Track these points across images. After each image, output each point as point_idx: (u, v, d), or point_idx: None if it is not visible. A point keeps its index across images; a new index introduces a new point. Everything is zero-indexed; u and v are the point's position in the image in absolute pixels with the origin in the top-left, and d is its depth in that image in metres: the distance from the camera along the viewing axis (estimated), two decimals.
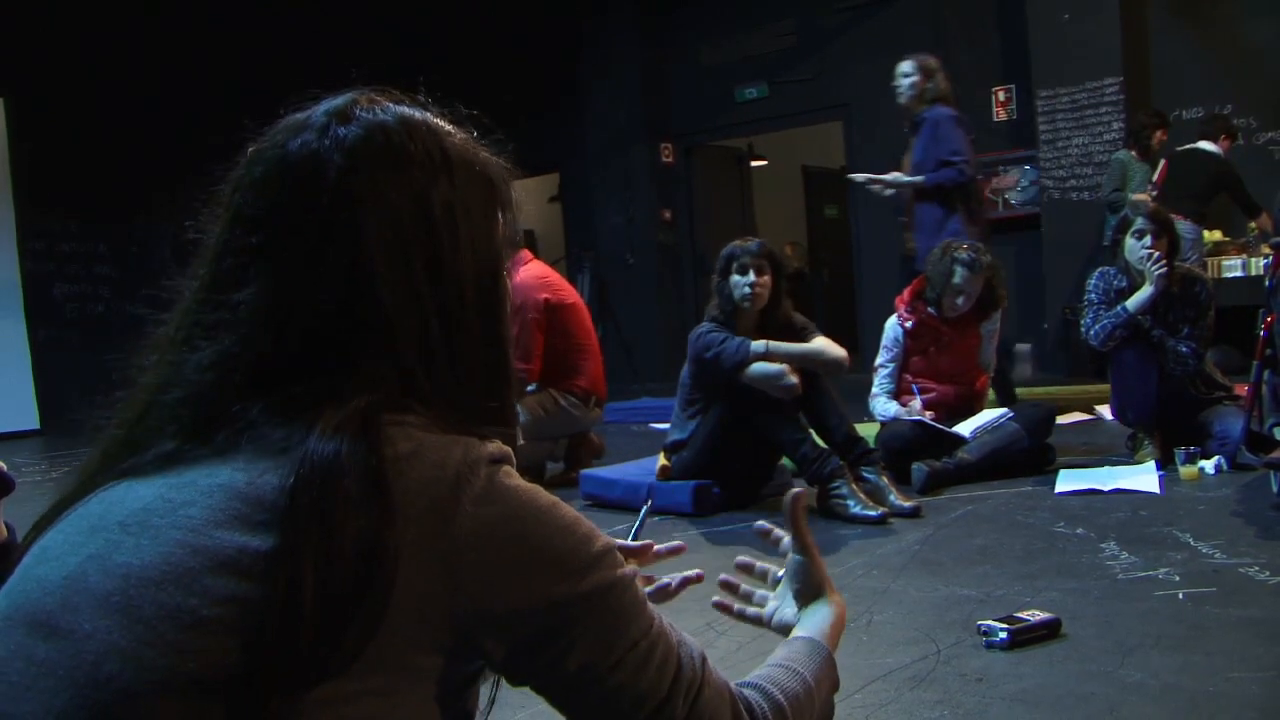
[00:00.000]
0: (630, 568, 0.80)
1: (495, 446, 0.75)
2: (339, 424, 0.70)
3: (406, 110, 0.82)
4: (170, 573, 0.67)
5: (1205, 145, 6.41)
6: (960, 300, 4.04)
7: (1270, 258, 3.78)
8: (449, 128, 0.83)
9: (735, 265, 3.61)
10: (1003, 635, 2.04)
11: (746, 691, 0.87)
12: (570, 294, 4.50)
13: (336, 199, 0.76)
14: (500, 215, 0.84)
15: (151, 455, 0.75)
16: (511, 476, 0.75)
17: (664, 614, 0.83)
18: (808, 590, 1.08)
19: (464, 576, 0.70)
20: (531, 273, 4.38)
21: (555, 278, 4.55)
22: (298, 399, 0.72)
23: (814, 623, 1.04)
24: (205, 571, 0.66)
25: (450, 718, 0.73)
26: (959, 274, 4.00)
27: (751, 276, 3.57)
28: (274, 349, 0.74)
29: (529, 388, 4.30)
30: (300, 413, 0.72)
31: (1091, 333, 3.84)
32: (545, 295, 4.29)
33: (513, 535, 0.72)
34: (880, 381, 4.17)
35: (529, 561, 0.73)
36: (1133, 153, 6.60)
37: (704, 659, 0.82)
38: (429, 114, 0.83)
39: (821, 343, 3.56)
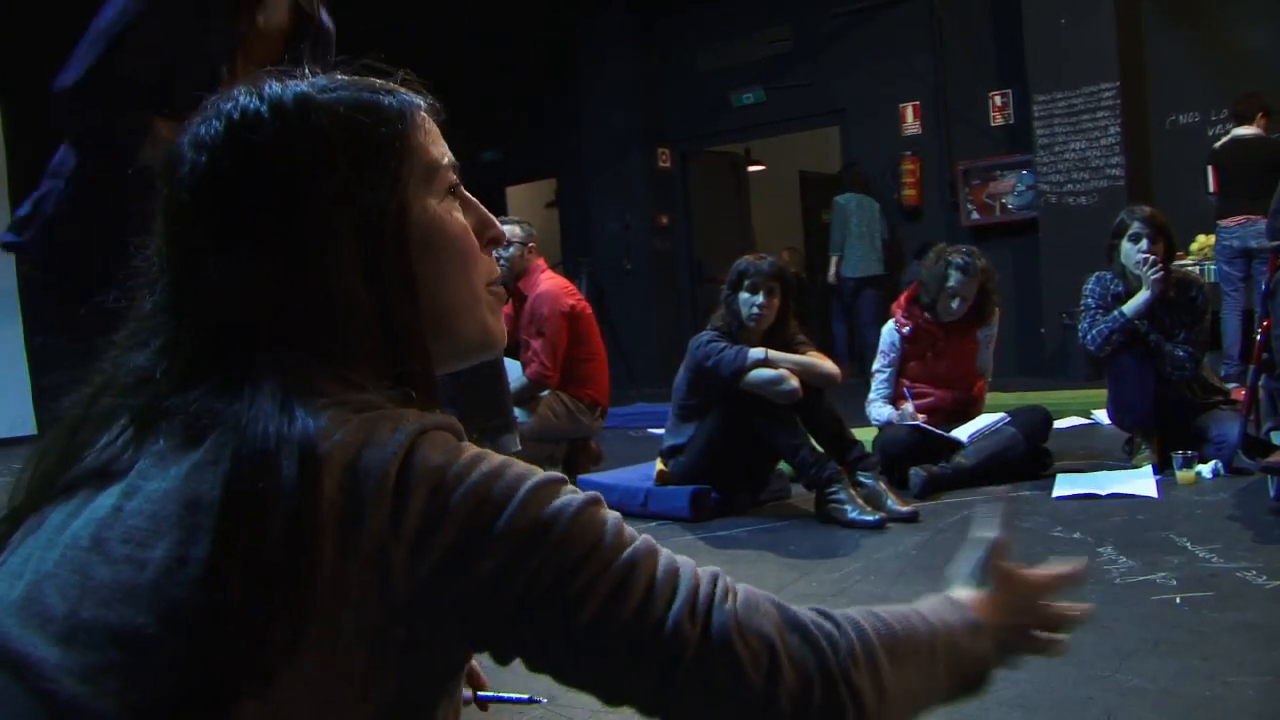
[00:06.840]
0: (586, 494, 0.75)
1: (423, 416, 0.72)
2: (267, 415, 0.68)
3: (277, 91, 0.78)
4: (118, 591, 0.65)
5: (1244, 131, 6.06)
6: (955, 304, 4.03)
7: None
8: (327, 88, 0.79)
9: (746, 283, 3.63)
10: None
11: (815, 617, 0.75)
12: (586, 304, 4.62)
13: (199, 195, 0.75)
14: (408, 155, 0.79)
15: (96, 463, 0.73)
16: (433, 442, 0.70)
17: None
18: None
19: (394, 558, 0.66)
20: (555, 282, 4.54)
21: (573, 288, 4.71)
22: (225, 392, 0.71)
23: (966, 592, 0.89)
24: (149, 586, 0.65)
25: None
26: (954, 278, 4.00)
27: (760, 298, 3.60)
28: (189, 344, 0.74)
29: (543, 392, 4.37)
30: (230, 405, 0.70)
31: (1088, 338, 3.85)
32: (571, 302, 4.44)
33: (437, 507, 0.68)
34: (877, 386, 4.18)
35: (456, 526, 0.67)
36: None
37: (716, 577, 0.74)
38: (303, 84, 0.79)
39: (814, 356, 3.62)
